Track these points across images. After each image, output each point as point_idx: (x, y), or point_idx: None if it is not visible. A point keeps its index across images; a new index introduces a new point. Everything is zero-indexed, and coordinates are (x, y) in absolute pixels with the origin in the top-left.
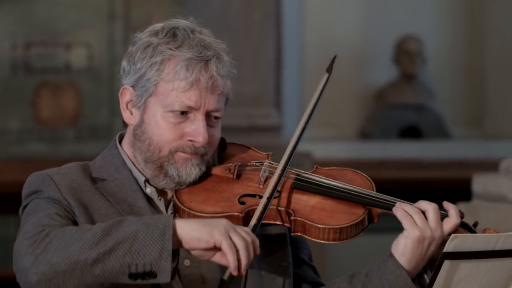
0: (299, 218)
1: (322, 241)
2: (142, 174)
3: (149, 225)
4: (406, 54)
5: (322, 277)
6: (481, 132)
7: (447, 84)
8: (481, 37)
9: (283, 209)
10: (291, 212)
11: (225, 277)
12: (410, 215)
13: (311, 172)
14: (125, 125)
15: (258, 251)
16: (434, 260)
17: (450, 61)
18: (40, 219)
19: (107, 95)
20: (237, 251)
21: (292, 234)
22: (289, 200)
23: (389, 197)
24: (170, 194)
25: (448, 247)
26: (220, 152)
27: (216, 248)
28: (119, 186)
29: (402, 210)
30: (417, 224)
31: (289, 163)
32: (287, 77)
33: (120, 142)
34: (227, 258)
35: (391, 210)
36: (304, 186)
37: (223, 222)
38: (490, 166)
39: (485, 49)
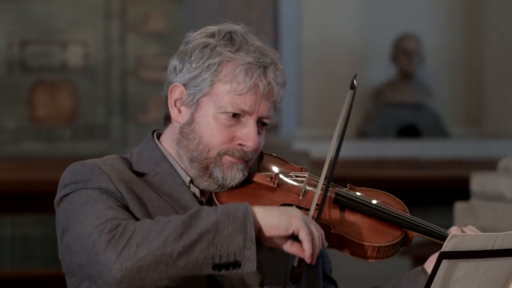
0: (338, 233)
1: (357, 258)
2: (186, 174)
3: (229, 214)
4: (404, 52)
5: None
6: (479, 131)
7: (445, 83)
8: (480, 35)
9: (323, 222)
10: (331, 226)
11: (296, 264)
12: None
13: (347, 190)
14: (167, 122)
15: (325, 244)
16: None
17: (448, 59)
18: (104, 211)
19: (103, 93)
20: (312, 239)
21: (328, 247)
22: (329, 214)
23: (426, 222)
24: (208, 195)
25: (446, 247)
26: (258, 160)
27: (288, 237)
28: (162, 180)
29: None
30: None
31: (331, 176)
32: None
33: (158, 138)
34: (304, 246)
35: (427, 234)
36: (344, 202)
37: (299, 212)
38: (489, 165)
39: (484, 47)
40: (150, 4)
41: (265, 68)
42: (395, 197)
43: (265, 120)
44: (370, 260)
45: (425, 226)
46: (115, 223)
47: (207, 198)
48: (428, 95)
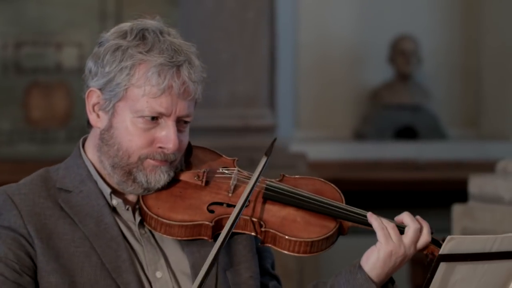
0: (270, 230)
1: (291, 253)
2: (107, 184)
3: None
4: (401, 54)
5: (316, 278)
6: (477, 133)
7: (443, 84)
8: (478, 36)
9: (254, 219)
10: (262, 223)
11: None
12: (386, 228)
13: (278, 181)
14: (90, 126)
15: None
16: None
17: (446, 61)
18: None
19: None
20: None
21: (261, 244)
22: (260, 210)
23: (359, 210)
24: (135, 199)
25: (444, 249)
26: (186, 156)
27: None
28: (85, 200)
29: (378, 220)
30: (391, 238)
31: (260, 173)
32: (281, 77)
33: (84, 145)
34: None
35: (362, 223)
36: (275, 196)
37: None
38: (487, 167)
39: (482, 49)
40: (145, 5)
41: (178, 67)
42: (331, 184)
43: (186, 119)
44: (305, 254)
45: (358, 215)
46: None
47: (135, 203)
48: (425, 97)
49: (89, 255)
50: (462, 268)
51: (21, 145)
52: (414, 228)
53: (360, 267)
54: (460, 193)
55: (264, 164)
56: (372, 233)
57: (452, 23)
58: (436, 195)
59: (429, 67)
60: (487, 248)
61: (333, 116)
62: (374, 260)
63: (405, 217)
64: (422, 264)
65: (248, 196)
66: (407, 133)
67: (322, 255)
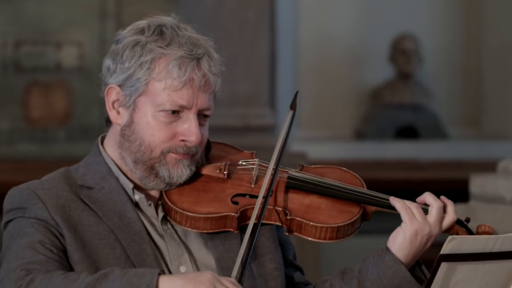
0: (295, 218)
1: (318, 240)
2: (129, 180)
3: (133, 284)
4: (402, 53)
5: (317, 276)
6: (478, 132)
7: (444, 84)
8: (479, 36)
9: (278, 208)
10: (287, 211)
11: None
12: (409, 208)
13: (300, 171)
14: (109, 124)
15: None
16: (430, 261)
17: (447, 60)
18: (24, 251)
19: (98, 94)
20: None
21: (287, 233)
22: (283, 199)
23: (383, 194)
24: (157, 195)
25: (445, 249)
26: (205, 152)
27: None
28: (107, 196)
29: (401, 201)
30: (416, 217)
31: (280, 161)
32: (281, 77)
33: (102, 143)
34: None
35: (385, 207)
36: (298, 185)
37: (208, 275)
38: (488, 166)
39: (483, 48)
40: (145, 4)
41: (198, 60)
42: (351, 171)
43: (206, 112)
44: (331, 241)
45: (382, 199)
46: (24, 271)
47: (157, 199)
48: (426, 96)
49: (114, 247)
50: (464, 268)
51: (20, 145)
52: (437, 207)
53: (387, 249)
54: (461, 193)
55: (292, 118)
56: (377, 233)
57: (453, 22)
58: (437, 195)
59: (430, 66)
60: (488, 248)
61: (334, 116)
62: (401, 240)
63: (427, 196)
64: (424, 263)
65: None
66: (408, 132)
67: (323, 253)
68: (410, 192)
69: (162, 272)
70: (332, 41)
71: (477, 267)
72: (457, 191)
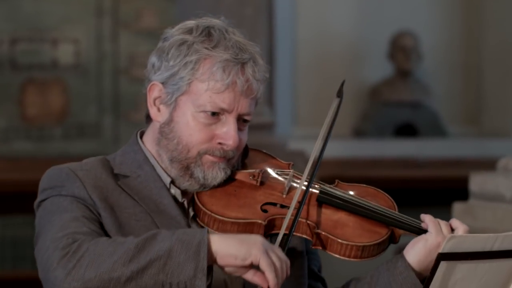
0: (322, 232)
1: (342, 257)
2: (167, 174)
3: (184, 241)
4: (401, 50)
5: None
6: (478, 130)
7: (443, 81)
8: (478, 33)
9: (307, 221)
10: (314, 225)
11: None
12: (438, 223)
13: (334, 186)
14: (148, 121)
15: (289, 272)
16: None
17: (447, 57)
18: (68, 223)
19: (95, 92)
20: (275, 269)
21: (313, 247)
22: (312, 213)
23: (413, 219)
24: (190, 194)
25: (445, 248)
26: (242, 157)
27: (249, 266)
28: (143, 183)
29: (432, 216)
30: (442, 231)
31: (315, 174)
32: (279, 74)
33: (141, 138)
34: (266, 276)
35: (414, 232)
36: (328, 200)
37: (260, 239)
38: (488, 164)
39: (482, 45)
40: (142, 1)
41: (243, 64)
42: (384, 193)
43: (246, 117)
44: (355, 259)
45: (411, 224)
46: (71, 239)
47: (190, 198)
48: (425, 94)
49: (151, 229)
50: (463, 267)
51: (16, 143)
52: (463, 229)
53: (402, 256)
54: (460, 191)
55: (338, 106)
56: None
57: (453, 19)
58: (436, 193)
59: (429, 64)
60: (488, 247)
61: None
62: (420, 246)
63: (453, 221)
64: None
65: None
66: (407, 130)
67: (323, 264)
68: (409, 190)
69: (210, 232)
70: (330, 38)
71: (476, 266)
72: (456, 190)
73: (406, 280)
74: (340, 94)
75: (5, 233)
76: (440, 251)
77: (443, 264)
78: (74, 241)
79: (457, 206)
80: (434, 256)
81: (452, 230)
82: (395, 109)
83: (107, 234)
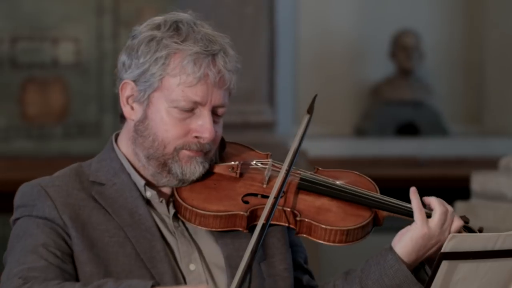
0: (305, 219)
1: (327, 243)
2: (141, 176)
3: None
4: (402, 49)
5: (317, 276)
6: (479, 129)
7: (445, 80)
8: (480, 31)
9: (288, 209)
10: (297, 213)
11: None
12: (424, 210)
13: (314, 173)
14: (123, 120)
15: None
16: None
17: (448, 56)
18: (26, 256)
19: (95, 91)
20: None
21: (297, 235)
22: (294, 200)
23: (395, 200)
24: (169, 192)
25: (446, 247)
26: (220, 150)
27: None
28: (119, 192)
29: (419, 200)
30: (428, 221)
31: (294, 162)
32: (280, 73)
33: (116, 140)
34: None
35: (397, 213)
36: (309, 186)
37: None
38: (489, 163)
39: (484, 43)
40: (143, 0)
41: (213, 56)
42: (365, 176)
43: (221, 109)
44: (341, 244)
45: (394, 205)
46: (22, 279)
47: (169, 196)
48: (427, 92)
49: (124, 245)
50: (464, 267)
51: (17, 142)
52: (440, 211)
53: (391, 248)
54: (462, 190)
55: (307, 123)
56: (379, 232)
57: (454, 18)
58: (437, 192)
59: (430, 62)
60: (489, 246)
61: (334, 112)
62: (406, 239)
63: (432, 200)
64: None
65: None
66: (408, 129)
67: (323, 258)
68: None
69: (156, 284)
70: (332, 37)
71: (478, 265)
72: (458, 189)
73: (398, 273)
74: (310, 110)
75: (5, 232)
76: (442, 250)
77: (444, 264)
78: (24, 282)
79: (459, 206)
80: (423, 246)
81: (429, 213)
82: (397, 108)
83: (75, 255)
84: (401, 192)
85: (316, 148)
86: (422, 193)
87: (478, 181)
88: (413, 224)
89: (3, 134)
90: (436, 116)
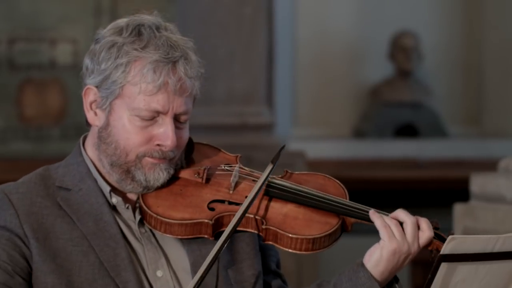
0: (271, 227)
1: (294, 251)
2: (107, 182)
3: None
4: (401, 50)
5: (314, 278)
6: (479, 131)
7: (444, 81)
8: (479, 32)
9: (255, 217)
10: (264, 220)
11: None
12: (389, 226)
13: (281, 177)
14: (88, 125)
15: None
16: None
17: (447, 57)
18: None
19: None
20: None
21: (264, 242)
22: (261, 207)
23: (363, 206)
24: (135, 198)
25: (445, 249)
26: (187, 153)
27: None
28: (84, 198)
29: (381, 218)
30: (395, 236)
31: (270, 174)
32: (279, 74)
33: (84, 143)
34: None
35: (365, 219)
36: (276, 193)
37: None
38: (489, 165)
39: (483, 44)
40: (141, 1)
41: (174, 63)
42: (335, 180)
43: (183, 116)
44: (307, 252)
45: (362, 211)
46: None
47: (135, 201)
48: (426, 94)
49: (87, 254)
50: (464, 269)
51: (14, 143)
52: (410, 223)
53: (362, 265)
54: (461, 192)
55: (270, 172)
56: (372, 232)
57: (453, 19)
58: (437, 194)
59: (430, 64)
60: (489, 248)
61: (332, 114)
62: (377, 257)
63: (399, 213)
64: (423, 264)
65: (251, 202)
66: (407, 130)
67: (321, 255)
68: (410, 191)
69: None
70: (330, 38)
71: (477, 267)
72: (457, 191)
73: None
74: (274, 160)
75: None
76: (441, 252)
77: (443, 266)
78: None
79: (458, 207)
80: (394, 262)
81: (401, 223)
82: (396, 109)
83: (35, 266)
84: (400, 194)
85: (315, 149)
86: (421, 195)
87: (478, 183)
88: (381, 242)
89: (0, 136)
90: (435, 117)
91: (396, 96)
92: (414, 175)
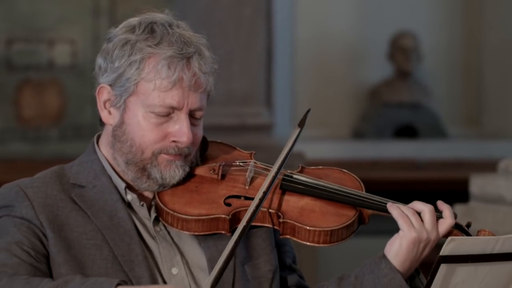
0: (288, 221)
1: (312, 244)
2: (122, 179)
3: None
4: (401, 50)
5: (314, 280)
6: (478, 131)
7: (444, 82)
8: (479, 33)
9: (272, 211)
10: (280, 214)
11: None
12: (407, 215)
13: (298, 172)
14: (102, 124)
15: None
16: (429, 263)
17: (447, 58)
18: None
19: (91, 93)
20: None
21: (281, 236)
22: (277, 201)
23: (380, 197)
24: (151, 196)
25: (445, 250)
26: (202, 151)
27: None
28: (99, 194)
29: (398, 209)
30: (413, 225)
31: (283, 166)
32: (278, 75)
33: (98, 142)
34: None
35: (382, 211)
36: (292, 187)
37: None
38: (488, 166)
39: (483, 45)
40: (139, 1)
41: (188, 59)
42: (350, 173)
43: (198, 112)
44: (325, 245)
45: (379, 202)
46: None
47: (151, 199)
48: (425, 95)
49: (101, 247)
50: (463, 270)
51: (12, 144)
52: (429, 210)
53: (384, 256)
54: (461, 193)
55: (297, 136)
56: (372, 234)
57: (453, 19)
58: (436, 195)
59: (429, 64)
60: (488, 250)
61: (332, 114)
62: (397, 248)
63: (415, 204)
64: (423, 265)
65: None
66: (406, 131)
67: (320, 256)
68: (409, 192)
69: (122, 283)
70: (330, 38)
71: (477, 268)
72: (457, 192)
73: (392, 282)
74: (302, 124)
75: None
76: (440, 253)
77: (443, 267)
78: None
79: (458, 208)
80: (414, 250)
81: (419, 214)
82: (395, 110)
83: (51, 256)
84: (399, 195)
85: (314, 150)
86: (421, 196)
87: (477, 184)
88: (400, 232)
89: None
90: (434, 118)
91: (395, 97)
92: (413, 176)
